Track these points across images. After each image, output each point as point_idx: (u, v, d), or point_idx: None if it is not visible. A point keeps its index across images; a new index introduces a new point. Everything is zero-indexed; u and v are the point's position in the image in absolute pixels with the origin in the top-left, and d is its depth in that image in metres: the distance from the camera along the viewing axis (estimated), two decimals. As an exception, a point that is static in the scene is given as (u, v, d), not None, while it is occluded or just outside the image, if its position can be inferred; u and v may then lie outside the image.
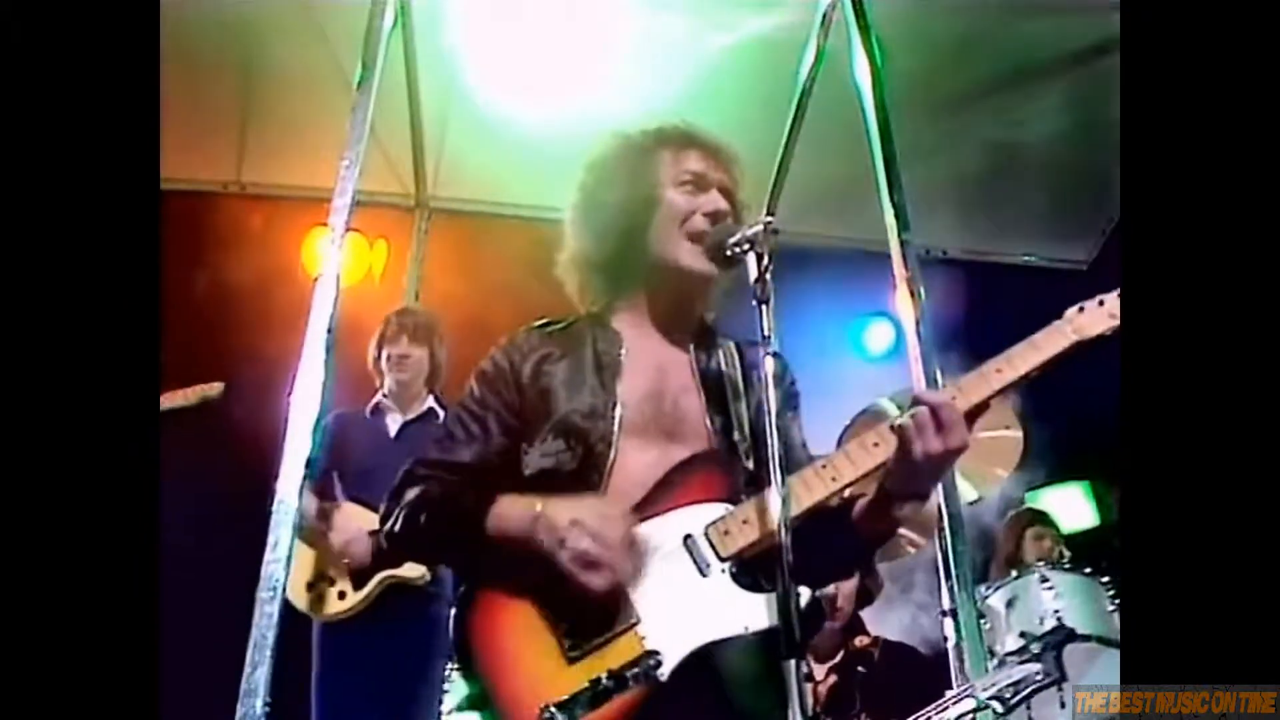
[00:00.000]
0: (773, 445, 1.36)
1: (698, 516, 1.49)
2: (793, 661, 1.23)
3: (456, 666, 1.45)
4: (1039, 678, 2.36)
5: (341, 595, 3.30)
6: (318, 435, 2.41)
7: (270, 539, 2.26)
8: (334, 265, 2.60)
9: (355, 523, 3.30)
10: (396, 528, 1.58)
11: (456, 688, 1.44)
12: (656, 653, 1.38)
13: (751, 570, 1.46)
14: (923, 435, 1.39)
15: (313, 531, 3.32)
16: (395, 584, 3.27)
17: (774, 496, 1.34)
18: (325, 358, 2.50)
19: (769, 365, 1.43)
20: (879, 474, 1.47)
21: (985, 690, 2.24)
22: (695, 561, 1.46)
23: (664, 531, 1.48)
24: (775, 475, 1.35)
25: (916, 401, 1.43)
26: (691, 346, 1.72)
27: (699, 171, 1.70)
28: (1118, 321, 1.48)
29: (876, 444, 1.47)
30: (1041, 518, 4.24)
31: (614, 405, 1.59)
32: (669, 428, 1.61)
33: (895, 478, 1.45)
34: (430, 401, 3.59)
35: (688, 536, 1.47)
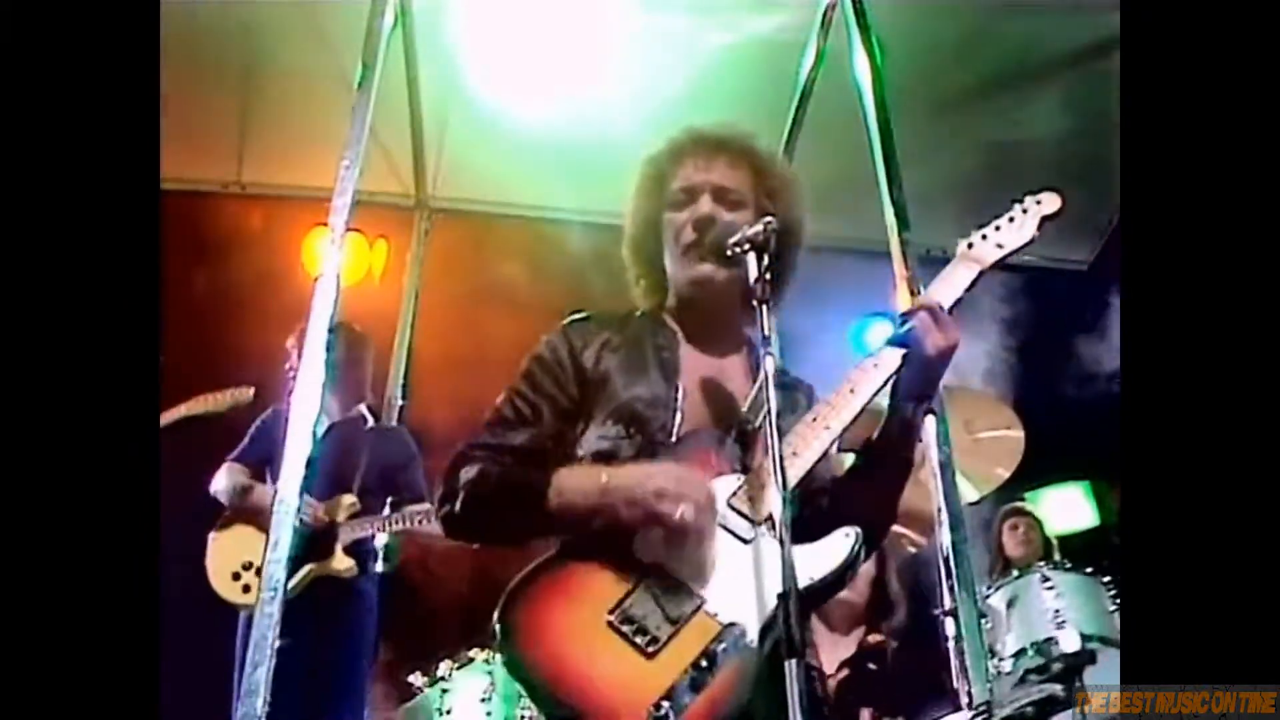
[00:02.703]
0: (774, 446, 1.37)
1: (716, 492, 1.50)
2: (793, 661, 1.23)
3: (508, 664, 1.44)
4: (1062, 697, 2.35)
5: None
6: (317, 435, 2.42)
7: (270, 539, 2.25)
8: (334, 265, 2.60)
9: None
10: (456, 509, 1.57)
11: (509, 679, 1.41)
12: (735, 623, 1.39)
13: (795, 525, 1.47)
14: (929, 334, 1.54)
15: (249, 512, 3.36)
16: (321, 576, 3.28)
17: (776, 496, 1.34)
18: (325, 358, 2.50)
19: (769, 365, 1.44)
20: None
21: (1004, 709, 2.22)
22: (732, 533, 1.47)
23: None
24: (777, 478, 1.35)
25: (911, 311, 1.58)
26: (744, 355, 1.77)
27: (688, 185, 1.74)
28: (1004, 250, 1.70)
29: (876, 365, 1.58)
30: (1020, 512, 4.24)
31: (677, 395, 1.63)
32: (725, 427, 1.63)
33: (906, 382, 1.58)
34: (360, 409, 3.65)
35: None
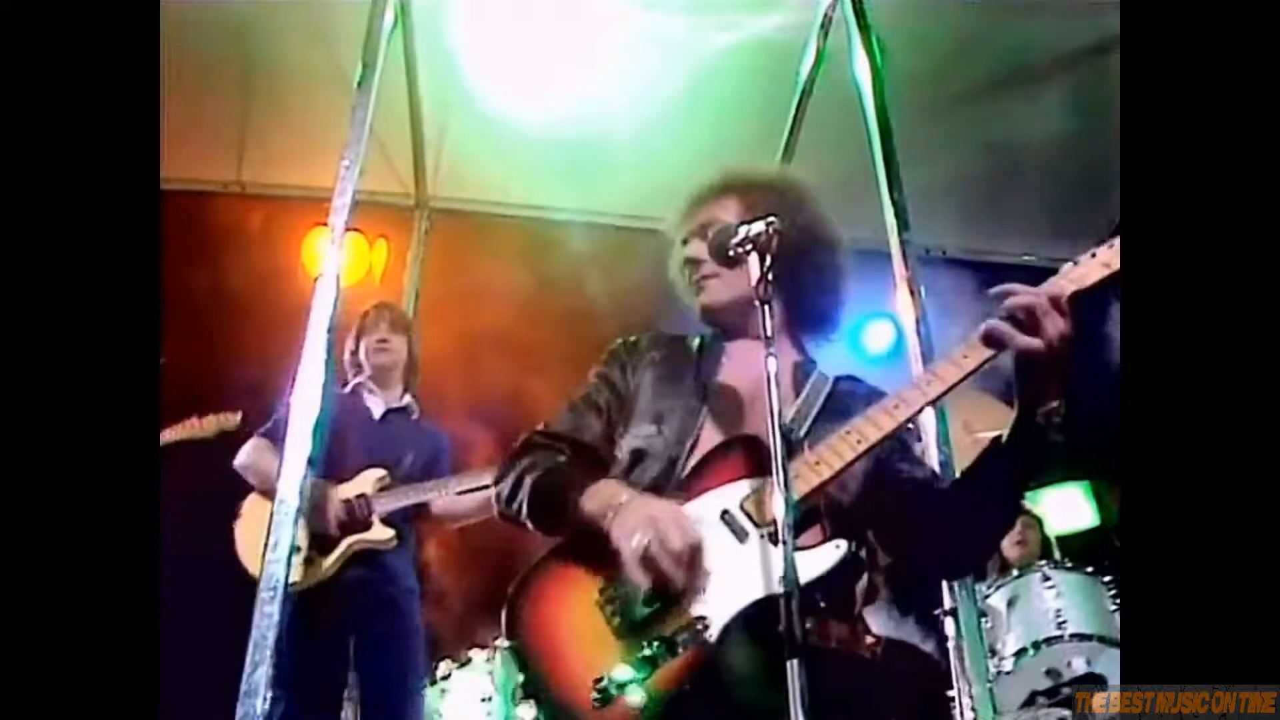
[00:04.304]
0: (776, 449, 1.37)
1: (732, 494, 1.54)
2: (794, 661, 1.23)
3: (510, 648, 1.50)
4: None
5: (310, 561, 3.26)
6: (318, 434, 2.42)
7: (270, 539, 2.26)
8: (334, 265, 2.61)
9: (322, 489, 3.29)
10: (505, 492, 1.68)
11: (508, 677, 1.47)
12: (704, 617, 1.41)
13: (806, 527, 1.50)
14: (1015, 337, 1.44)
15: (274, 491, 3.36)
16: (363, 549, 3.26)
17: (778, 499, 1.35)
18: (325, 358, 2.50)
19: (771, 365, 1.44)
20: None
21: None
22: (733, 532, 1.50)
23: (702, 510, 1.53)
24: (778, 479, 1.35)
25: (1010, 306, 1.46)
26: (791, 358, 1.80)
27: (682, 238, 1.83)
28: (1112, 269, 1.50)
29: (929, 382, 1.52)
30: (1023, 512, 4.21)
31: (704, 394, 1.69)
32: (756, 428, 1.63)
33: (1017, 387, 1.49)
34: (408, 398, 3.62)
35: (724, 512, 1.52)
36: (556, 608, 1.51)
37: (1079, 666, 3.02)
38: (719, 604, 1.43)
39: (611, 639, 1.44)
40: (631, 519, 1.46)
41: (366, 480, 3.34)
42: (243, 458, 3.45)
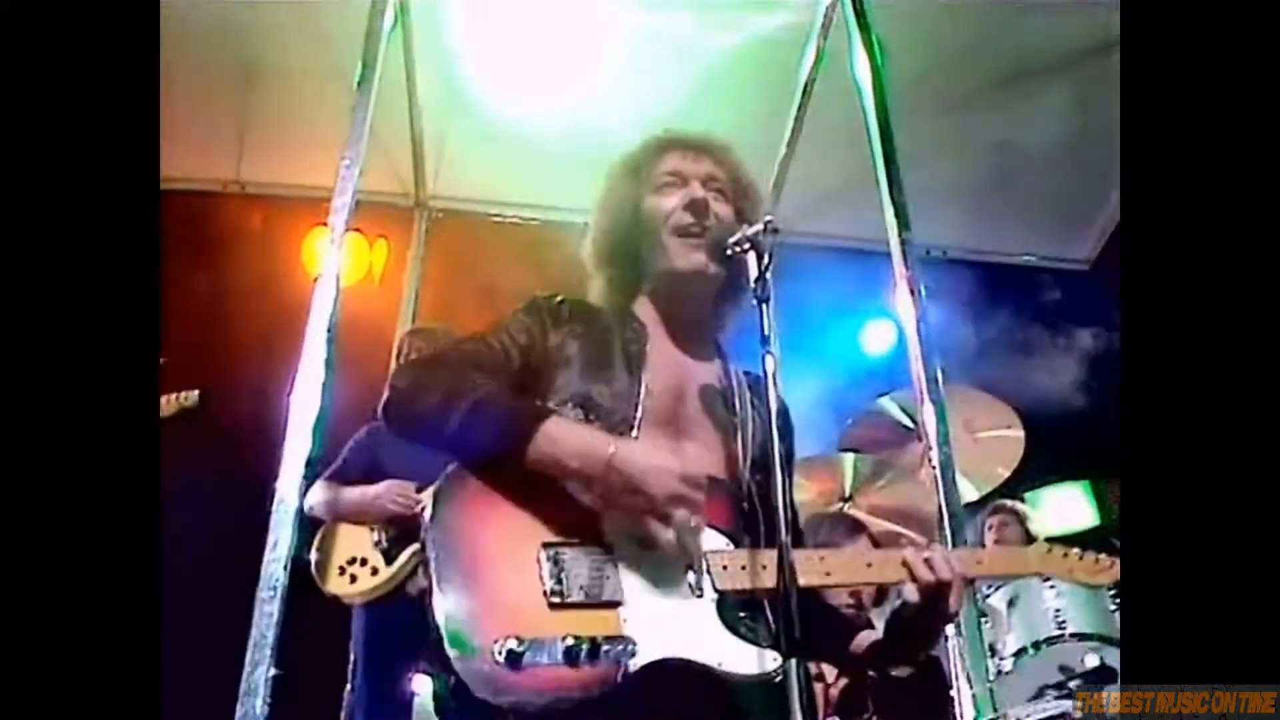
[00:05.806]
0: (775, 453, 1.37)
1: (705, 539, 1.47)
2: (794, 661, 1.23)
3: (432, 554, 1.38)
4: (1076, 716, 2.35)
5: (374, 572, 3.36)
6: (318, 434, 2.42)
7: (270, 539, 2.25)
8: (334, 265, 2.60)
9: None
10: (406, 384, 1.54)
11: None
12: (633, 641, 1.36)
13: (742, 613, 1.46)
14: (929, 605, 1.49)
15: (346, 515, 3.46)
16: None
17: (779, 509, 1.34)
18: (325, 358, 2.50)
19: (769, 365, 1.43)
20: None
21: None
22: (699, 574, 1.45)
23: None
24: (778, 481, 1.35)
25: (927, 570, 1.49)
26: (714, 358, 1.75)
27: (675, 169, 1.75)
28: (1075, 580, 1.65)
29: (870, 564, 1.54)
30: (1003, 509, 4.19)
31: (640, 392, 1.59)
32: (685, 428, 1.62)
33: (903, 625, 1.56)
34: None
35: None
36: (501, 519, 1.41)
37: (1091, 661, 3.01)
38: (651, 638, 1.37)
39: (540, 600, 1.35)
40: (668, 489, 1.39)
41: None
42: (312, 498, 3.50)
